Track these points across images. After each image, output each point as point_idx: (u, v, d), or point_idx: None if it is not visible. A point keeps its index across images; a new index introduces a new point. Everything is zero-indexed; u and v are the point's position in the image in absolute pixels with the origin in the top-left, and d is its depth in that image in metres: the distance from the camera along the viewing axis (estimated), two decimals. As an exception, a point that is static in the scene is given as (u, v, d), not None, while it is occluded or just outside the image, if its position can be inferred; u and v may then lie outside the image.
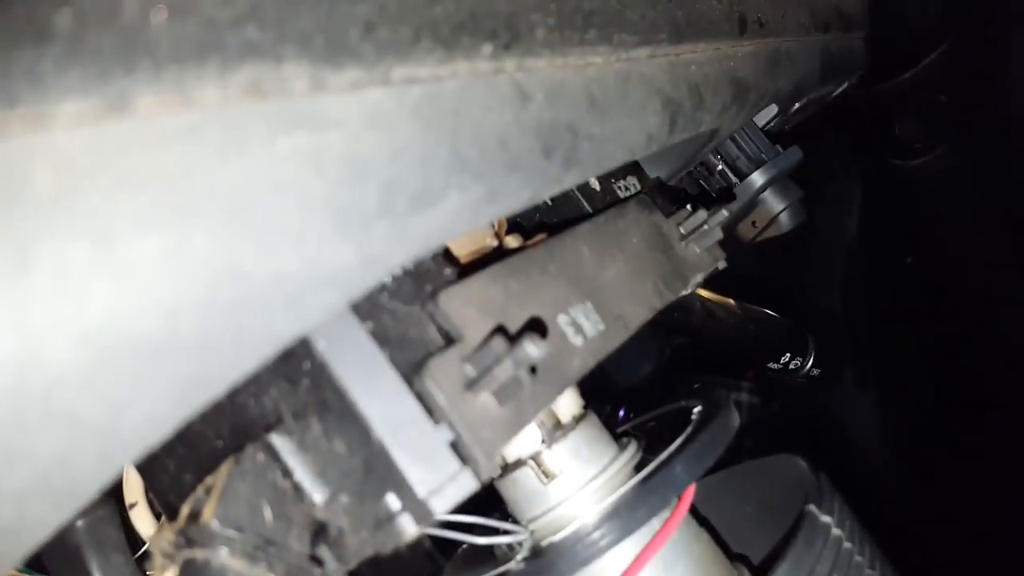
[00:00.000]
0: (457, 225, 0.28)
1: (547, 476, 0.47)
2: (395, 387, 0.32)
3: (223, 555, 0.31)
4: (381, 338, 0.33)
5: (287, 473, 0.34)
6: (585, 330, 0.42)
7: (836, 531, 0.43)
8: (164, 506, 0.40)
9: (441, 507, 0.32)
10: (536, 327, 0.36)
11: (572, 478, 0.47)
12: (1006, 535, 0.97)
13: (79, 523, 0.46)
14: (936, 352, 1.16)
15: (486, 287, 0.38)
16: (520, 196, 0.31)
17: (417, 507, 0.32)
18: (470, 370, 0.34)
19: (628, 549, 0.44)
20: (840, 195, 1.29)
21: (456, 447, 0.33)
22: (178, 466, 0.37)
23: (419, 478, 0.32)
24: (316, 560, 0.33)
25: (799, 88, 0.80)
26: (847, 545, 0.43)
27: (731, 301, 0.78)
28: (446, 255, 0.39)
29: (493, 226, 0.48)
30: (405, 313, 0.35)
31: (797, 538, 0.41)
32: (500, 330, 0.34)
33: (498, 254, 0.43)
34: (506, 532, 0.46)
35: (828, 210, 1.24)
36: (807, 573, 0.40)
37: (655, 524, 0.45)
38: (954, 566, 0.94)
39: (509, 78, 0.32)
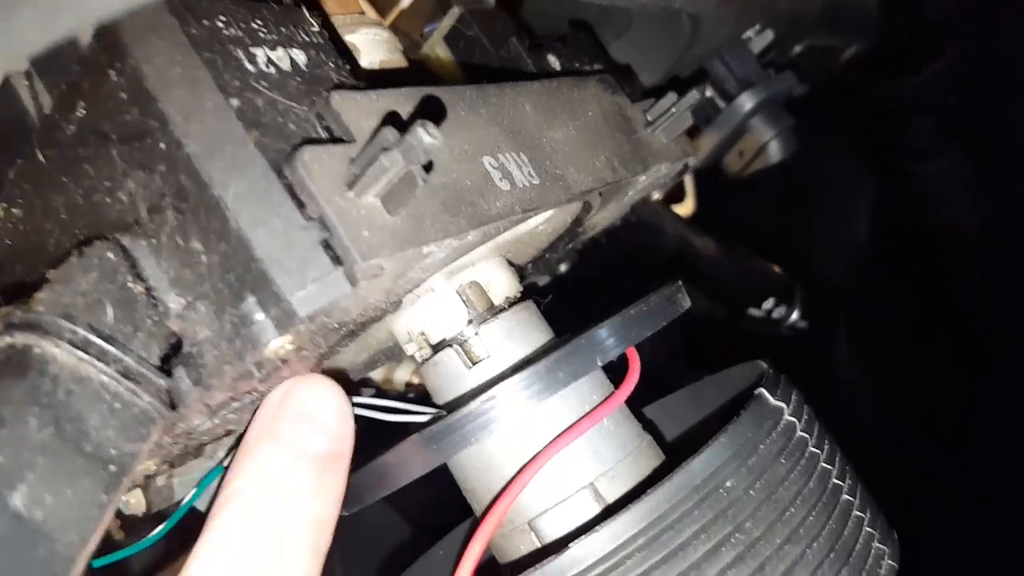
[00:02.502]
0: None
1: (472, 360, 0.42)
2: (260, 172, 0.28)
3: (48, 342, 0.26)
4: (250, 120, 0.29)
5: (139, 278, 0.30)
6: (514, 177, 0.38)
7: (790, 418, 0.38)
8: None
9: (305, 308, 0.28)
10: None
11: (498, 362, 0.42)
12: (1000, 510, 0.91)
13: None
14: (937, 346, 1.10)
15: (395, 103, 0.33)
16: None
17: (279, 309, 0.28)
18: (355, 170, 0.29)
19: (547, 426, 0.39)
20: (848, 196, 1.24)
21: (328, 246, 0.28)
22: (25, 271, 0.33)
23: (282, 274, 0.28)
24: (164, 371, 0.29)
25: (797, 16, 0.76)
26: (802, 435, 0.38)
27: (712, 241, 0.73)
28: (353, 66, 0.35)
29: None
30: (287, 108, 0.31)
31: (739, 417, 0.36)
32: (389, 125, 0.30)
33: (418, 76, 0.39)
34: (420, 414, 0.42)
35: (835, 211, 1.19)
36: (750, 451, 0.35)
37: (586, 408, 0.41)
38: (943, 537, 0.88)
39: None
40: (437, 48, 0.50)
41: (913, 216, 1.16)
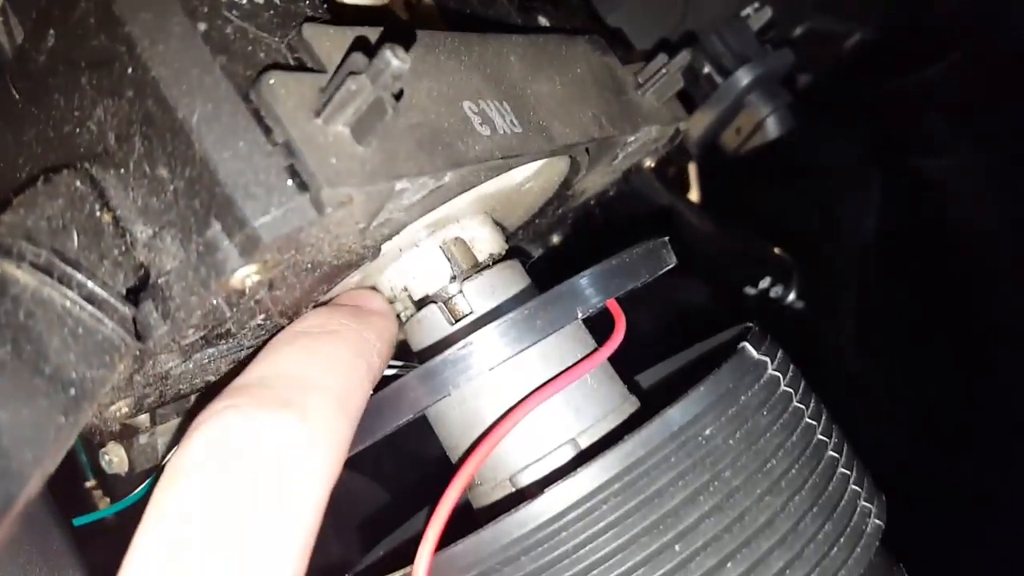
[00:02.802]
0: None
1: (455, 316, 0.42)
2: (226, 96, 0.28)
3: (9, 263, 0.26)
4: (217, 45, 0.28)
5: (107, 207, 0.29)
6: (496, 124, 0.37)
7: (774, 372, 0.37)
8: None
9: (269, 235, 0.27)
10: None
11: (482, 319, 0.42)
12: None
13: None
14: (941, 345, 1.09)
15: (370, 40, 0.33)
16: None
17: (243, 235, 0.27)
18: (323, 98, 0.29)
19: (528, 378, 0.39)
20: (855, 186, 1.22)
21: (294, 172, 0.28)
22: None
23: (246, 199, 0.27)
24: (131, 300, 0.29)
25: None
26: (786, 389, 0.37)
27: (708, 220, 0.73)
28: (333, 8, 0.34)
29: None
30: (257, 37, 0.30)
31: (721, 368, 0.36)
32: (358, 51, 0.29)
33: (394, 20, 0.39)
34: (399, 367, 0.41)
35: (841, 200, 1.18)
36: (730, 401, 0.35)
37: (567, 361, 0.40)
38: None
39: None
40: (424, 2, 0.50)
41: (922, 212, 1.15)
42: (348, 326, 0.35)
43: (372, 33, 0.33)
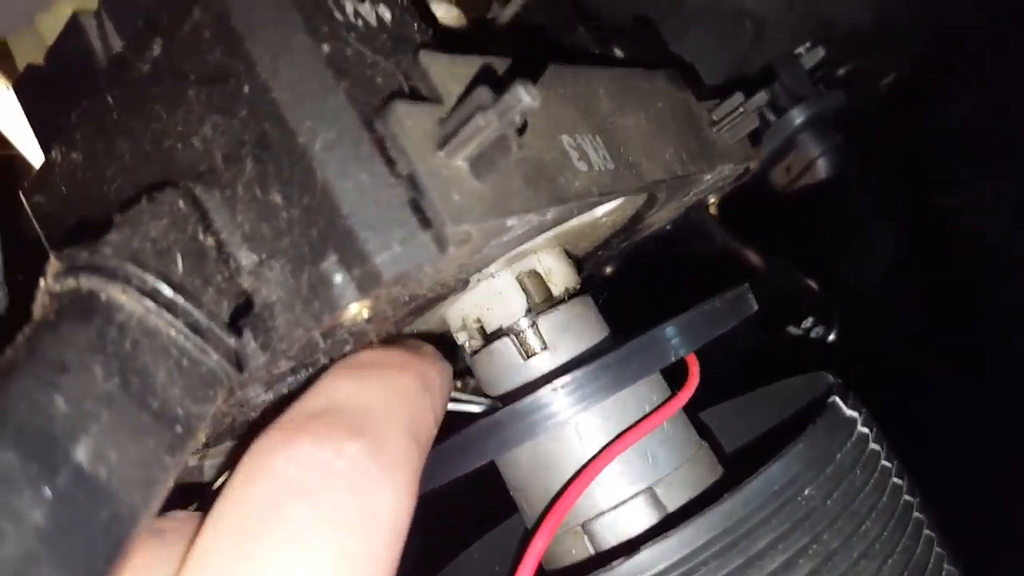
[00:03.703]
0: None
1: (527, 351, 0.41)
2: (350, 124, 0.26)
3: (116, 288, 0.24)
4: (340, 69, 0.27)
5: (211, 230, 0.28)
6: (591, 160, 0.36)
7: (863, 429, 0.36)
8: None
9: (390, 272, 0.26)
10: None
11: (555, 355, 0.40)
12: None
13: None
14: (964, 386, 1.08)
15: (481, 68, 0.32)
16: None
17: (362, 270, 0.26)
18: (446, 131, 0.27)
19: (607, 424, 0.38)
20: (871, 234, 1.22)
21: (417, 207, 0.26)
22: (84, 217, 0.31)
23: (368, 233, 0.26)
24: (234, 329, 0.27)
25: (850, 36, 0.75)
26: (874, 447, 0.36)
27: (756, 255, 0.72)
28: (436, 26, 0.33)
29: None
30: (374, 62, 0.29)
31: (816, 424, 0.34)
32: (484, 83, 0.28)
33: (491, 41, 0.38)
34: (474, 403, 0.40)
35: (867, 233, 1.17)
36: (827, 459, 0.33)
37: (646, 409, 0.39)
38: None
39: None
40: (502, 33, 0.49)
41: (947, 247, 1.14)
42: (410, 360, 0.33)
43: (482, 62, 0.32)
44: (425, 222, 0.26)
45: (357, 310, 0.27)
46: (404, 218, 0.26)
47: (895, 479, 0.37)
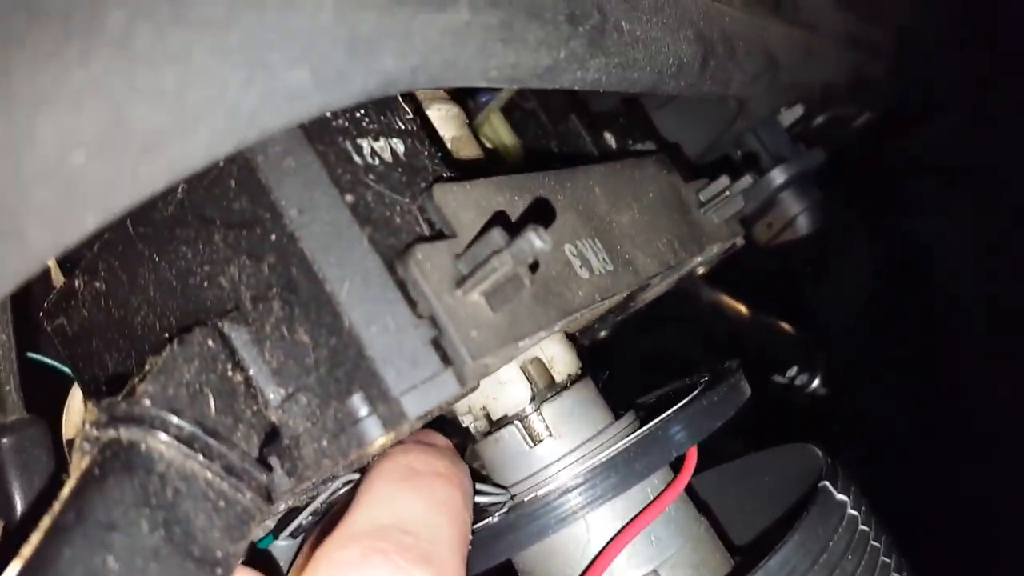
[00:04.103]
0: (464, 51, 0.24)
1: (533, 439, 0.42)
2: (374, 270, 0.28)
3: (155, 438, 0.26)
4: (362, 216, 0.29)
5: (239, 367, 0.29)
6: (592, 265, 0.38)
7: (852, 511, 0.38)
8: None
9: (415, 409, 0.27)
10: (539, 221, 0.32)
11: (560, 442, 0.42)
12: None
13: (4, 441, 0.41)
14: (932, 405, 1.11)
15: (487, 193, 0.33)
16: (537, 56, 0.27)
17: (387, 408, 0.27)
18: (462, 267, 0.29)
19: (614, 515, 0.39)
20: (846, 258, 1.25)
21: (438, 345, 0.28)
22: (119, 361, 0.33)
23: (393, 373, 0.27)
24: (264, 464, 0.29)
25: (827, 93, 0.77)
26: (863, 528, 0.38)
27: (741, 305, 0.74)
28: (445, 156, 0.35)
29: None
30: (393, 201, 0.31)
31: (809, 512, 0.36)
32: (498, 225, 0.30)
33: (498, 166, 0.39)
34: (486, 494, 0.41)
35: (840, 268, 1.20)
36: (820, 549, 0.35)
37: (648, 493, 0.41)
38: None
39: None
40: (494, 119, 0.50)
41: (916, 274, 1.18)
42: (453, 469, 0.35)
43: (490, 187, 0.34)
44: (446, 359, 0.28)
45: (383, 443, 0.28)
46: (426, 358, 0.28)
47: (883, 558, 0.39)
